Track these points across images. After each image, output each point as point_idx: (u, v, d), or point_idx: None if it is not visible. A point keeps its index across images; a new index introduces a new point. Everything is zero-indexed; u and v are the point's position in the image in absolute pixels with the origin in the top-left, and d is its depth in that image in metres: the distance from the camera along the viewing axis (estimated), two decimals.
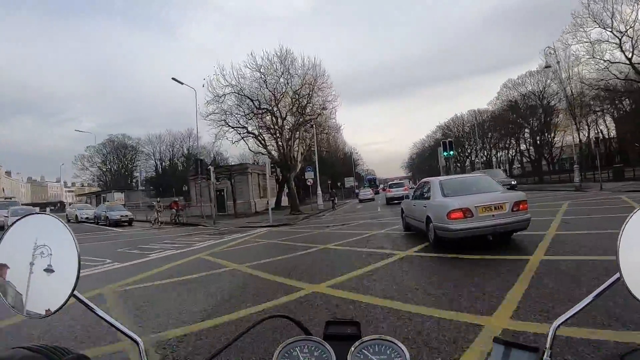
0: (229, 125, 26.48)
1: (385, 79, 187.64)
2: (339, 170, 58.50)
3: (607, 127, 42.28)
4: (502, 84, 51.48)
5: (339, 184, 49.44)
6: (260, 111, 26.80)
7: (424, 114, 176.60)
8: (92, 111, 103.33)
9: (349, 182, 59.04)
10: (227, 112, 26.48)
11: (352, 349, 0.73)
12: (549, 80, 44.10)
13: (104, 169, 60.66)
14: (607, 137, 42.19)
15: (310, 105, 28.01)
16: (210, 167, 23.32)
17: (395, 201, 24.40)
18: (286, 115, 27.40)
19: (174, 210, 23.54)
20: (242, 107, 26.71)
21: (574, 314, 0.65)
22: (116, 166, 60.51)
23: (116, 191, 35.77)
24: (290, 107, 27.10)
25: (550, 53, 23.98)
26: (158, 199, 26.28)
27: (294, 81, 26.94)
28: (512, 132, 52.12)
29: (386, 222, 13.23)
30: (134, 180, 46.03)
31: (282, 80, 26.64)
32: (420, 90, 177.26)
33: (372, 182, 60.18)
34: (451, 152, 16.96)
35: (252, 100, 26.52)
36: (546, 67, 24.56)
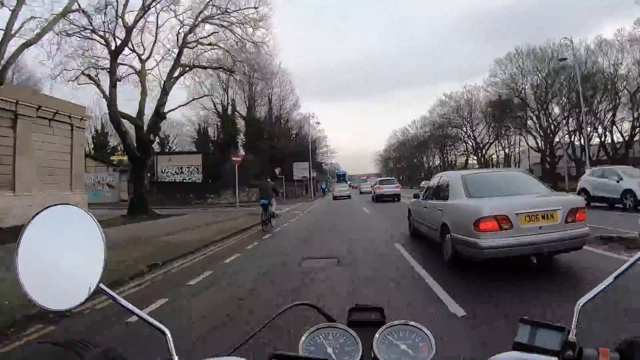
0: None
1: (346, 79, 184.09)
2: (282, 146, 37.21)
3: None
4: None
5: (277, 170, 30.21)
6: None
7: (391, 117, 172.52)
8: None
9: (301, 170, 36.47)
10: None
11: (377, 334, 0.70)
12: None
13: None
14: None
15: None
16: None
17: (385, 199, 22.63)
18: None
19: None
20: None
21: (597, 294, 0.63)
22: None
23: None
24: None
25: None
26: None
27: None
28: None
29: None
30: None
31: None
32: (385, 92, 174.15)
33: (342, 178, 53.42)
34: None
35: None
36: None
